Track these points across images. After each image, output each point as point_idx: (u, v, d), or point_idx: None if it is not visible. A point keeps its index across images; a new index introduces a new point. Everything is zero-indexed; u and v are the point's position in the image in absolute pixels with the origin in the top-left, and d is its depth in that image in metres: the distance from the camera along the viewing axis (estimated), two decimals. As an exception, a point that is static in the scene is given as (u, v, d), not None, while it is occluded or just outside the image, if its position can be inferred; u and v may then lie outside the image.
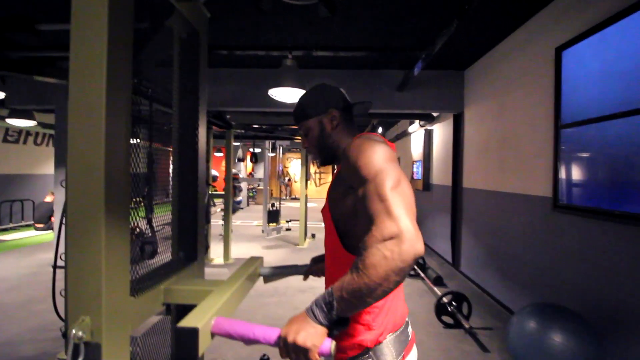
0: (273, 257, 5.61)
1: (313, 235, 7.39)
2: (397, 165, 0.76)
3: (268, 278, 1.48)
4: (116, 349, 0.84)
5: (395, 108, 4.69)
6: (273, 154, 9.08)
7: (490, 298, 3.81)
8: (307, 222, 7.16)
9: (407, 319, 0.93)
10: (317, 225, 9.05)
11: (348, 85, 4.53)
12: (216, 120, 5.09)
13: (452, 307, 3.12)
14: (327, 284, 0.98)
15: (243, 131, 6.04)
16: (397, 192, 0.68)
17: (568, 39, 2.54)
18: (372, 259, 0.61)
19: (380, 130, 9.49)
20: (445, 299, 3.16)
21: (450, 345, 2.79)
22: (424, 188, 6.30)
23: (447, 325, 3.10)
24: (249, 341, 0.84)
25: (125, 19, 0.82)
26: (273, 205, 8.58)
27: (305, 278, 1.35)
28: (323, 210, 0.95)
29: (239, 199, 12.91)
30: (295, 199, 16.62)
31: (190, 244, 1.27)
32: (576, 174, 2.55)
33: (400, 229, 0.62)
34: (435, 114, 5.80)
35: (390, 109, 4.72)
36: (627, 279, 2.11)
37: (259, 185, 15.64)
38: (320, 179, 18.09)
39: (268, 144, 8.31)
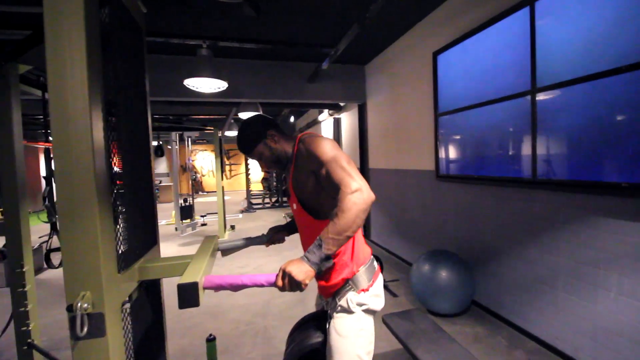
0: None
1: (232, 227, 7.35)
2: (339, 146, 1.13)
3: (226, 252, 1.64)
4: (114, 317, 0.94)
5: (306, 98, 5.04)
6: (178, 146, 8.53)
7: (397, 258, 4.59)
8: (226, 215, 7.09)
9: (372, 256, 1.29)
10: (235, 217, 8.97)
11: (262, 76, 4.70)
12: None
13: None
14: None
15: (148, 122, 5.57)
16: (350, 164, 1.05)
17: (441, 45, 3.25)
18: (346, 205, 0.95)
19: (292, 119, 9.83)
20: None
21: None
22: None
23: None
24: (237, 287, 1.05)
25: (95, 16, 0.89)
26: (185, 200, 8.15)
27: (268, 245, 1.56)
28: (290, 201, 1.28)
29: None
30: (207, 193, 15.86)
31: (152, 229, 1.35)
32: (450, 151, 3.32)
33: (360, 184, 0.98)
34: (342, 104, 6.40)
35: (302, 99, 5.06)
36: (486, 225, 2.91)
37: (160, 182, 14.40)
38: (231, 170, 17.59)
39: (174, 135, 7.79)
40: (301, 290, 0.96)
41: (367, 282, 1.19)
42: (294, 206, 1.27)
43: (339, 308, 1.17)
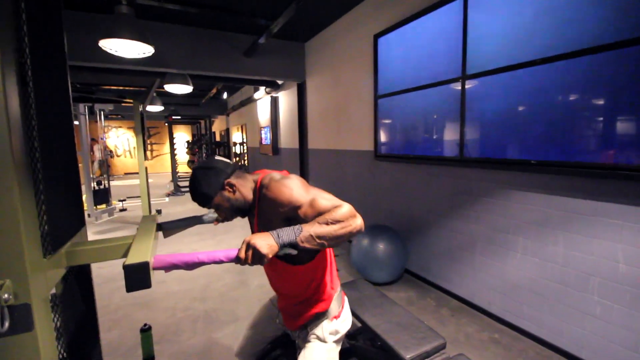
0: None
1: (159, 212, 6.76)
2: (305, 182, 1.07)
3: (169, 232, 1.49)
4: (42, 308, 0.79)
5: (242, 73, 4.77)
6: (87, 121, 7.38)
7: (334, 236, 4.76)
8: (151, 198, 6.46)
9: (339, 282, 1.32)
10: (161, 201, 8.26)
11: (193, 45, 4.28)
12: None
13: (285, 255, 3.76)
14: (280, 296, 1.31)
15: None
16: (330, 197, 1.04)
17: (382, 28, 3.34)
18: (341, 217, 0.93)
19: (225, 95, 9.25)
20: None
21: (311, 275, 3.43)
22: (273, 152, 6.78)
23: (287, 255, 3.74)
24: (193, 265, 0.96)
25: None
26: (99, 183, 7.18)
27: (217, 223, 1.46)
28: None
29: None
30: (124, 175, 14.23)
31: (78, 209, 1.15)
32: (388, 132, 3.50)
33: (355, 212, 0.98)
34: (280, 82, 6.22)
35: (238, 74, 4.77)
36: (418, 200, 3.18)
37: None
38: (152, 150, 15.99)
39: (83, 108, 6.71)
40: (262, 264, 0.92)
41: (338, 309, 1.24)
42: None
43: (312, 337, 1.19)
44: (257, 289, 3.18)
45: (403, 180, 3.33)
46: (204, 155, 11.22)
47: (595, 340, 1.95)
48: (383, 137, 3.53)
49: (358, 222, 0.96)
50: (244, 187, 1.15)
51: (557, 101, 1.97)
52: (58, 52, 1.09)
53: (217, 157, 1.16)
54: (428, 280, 3.13)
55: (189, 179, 1.15)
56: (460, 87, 2.52)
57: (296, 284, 1.20)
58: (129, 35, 2.81)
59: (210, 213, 1.54)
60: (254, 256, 0.90)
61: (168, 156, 11.89)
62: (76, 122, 6.81)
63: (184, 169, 12.98)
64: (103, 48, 2.93)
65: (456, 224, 2.78)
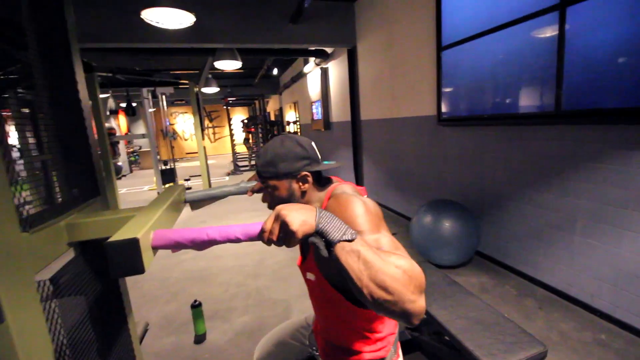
0: (180, 217, 5.14)
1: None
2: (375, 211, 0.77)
3: (196, 204, 1.33)
4: (22, 294, 0.63)
5: (290, 42, 4.49)
6: (153, 109, 7.87)
7: (392, 212, 4.40)
8: (210, 178, 6.71)
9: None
10: (222, 180, 8.63)
11: (238, 15, 4.09)
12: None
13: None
14: (321, 334, 1.04)
15: (111, 74, 4.93)
16: (403, 251, 0.69)
17: (446, -37, 2.75)
18: (408, 272, 0.58)
19: (275, 71, 9.15)
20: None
21: (366, 255, 3.16)
22: (325, 127, 6.51)
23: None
24: (202, 245, 0.73)
25: None
26: (166, 163, 7.68)
27: (251, 194, 1.25)
28: (303, 267, 0.96)
29: (119, 163, 11.10)
30: (189, 155, 15.30)
31: (89, 174, 1.00)
32: (454, 91, 2.96)
33: (424, 283, 0.60)
34: (329, 51, 5.83)
35: (284, 44, 4.50)
36: (494, 170, 2.66)
37: (140, 148, 13.67)
38: (214, 133, 16.86)
39: (146, 92, 7.11)
40: (288, 245, 0.64)
41: (394, 356, 0.99)
42: (310, 276, 0.94)
43: None
44: (309, 267, 3.02)
45: (473, 147, 2.81)
46: (260, 134, 11.41)
47: None
48: (447, 98, 3.01)
49: (419, 296, 0.59)
50: (313, 190, 0.91)
51: None
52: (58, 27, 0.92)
53: (312, 144, 0.92)
54: (505, 264, 2.65)
55: (269, 140, 0.91)
56: (558, 18, 1.92)
57: (346, 326, 0.93)
58: (169, 3, 2.70)
59: (242, 183, 1.33)
60: (282, 231, 0.63)
61: (228, 138, 12.37)
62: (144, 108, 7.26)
63: (242, 149, 13.43)
64: (146, 20, 2.88)
65: (546, 197, 2.24)
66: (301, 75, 7.72)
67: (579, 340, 1.85)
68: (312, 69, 6.85)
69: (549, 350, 1.56)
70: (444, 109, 3.05)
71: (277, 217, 0.64)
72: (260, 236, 0.67)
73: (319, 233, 0.62)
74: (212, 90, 7.89)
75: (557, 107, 1.99)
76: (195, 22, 3.02)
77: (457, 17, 2.75)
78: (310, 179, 0.87)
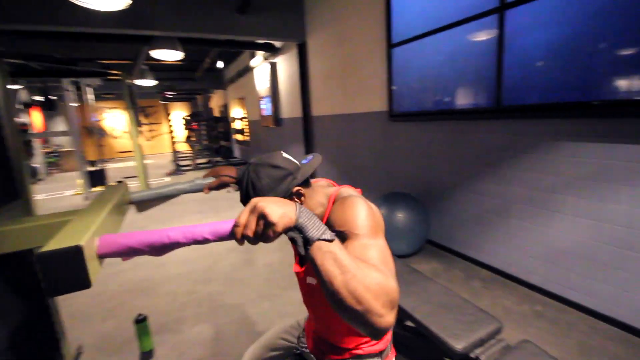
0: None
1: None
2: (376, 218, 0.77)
3: (143, 205, 1.17)
4: None
5: (235, 34, 4.28)
6: (77, 103, 6.96)
7: (344, 208, 4.45)
8: (148, 179, 6.15)
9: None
10: (160, 181, 7.97)
11: (180, 1, 3.78)
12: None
13: (291, 241, 3.46)
14: (317, 334, 1.03)
15: (23, 62, 4.22)
16: (391, 266, 0.67)
17: (394, -38, 2.84)
18: (380, 283, 0.56)
19: (220, 64, 8.70)
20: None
21: (323, 250, 3.15)
22: (275, 123, 6.37)
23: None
24: (163, 248, 0.63)
25: None
26: (94, 164, 6.87)
27: (208, 191, 1.15)
28: (302, 271, 0.93)
29: (34, 165, 9.64)
30: (123, 154, 13.92)
31: (2, 178, 0.80)
32: (404, 87, 3.08)
33: (396, 301, 0.58)
34: (278, 45, 5.70)
35: (230, 35, 4.29)
36: (442, 163, 2.82)
37: (61, 148, 12.05)
38: (151, 131, 15.56)
39: (68, 84, 6.25)
40: (266, 240, 0.59)
41: (389, 353, 1.02)
42: (312, 280, 0.91)
43: None
44: (264, 268, 2.91)
45: (423, 141, 2.95)
46: (203, 132, 10.80)
47: (667, 312, 1.65)
48: (398, 95, 3.12)
49: (388, 312, 0.56)
50: (312, 198, 0.87)
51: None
52: None
53: (284, 155, 0.86)
54: (453, 250, 2.83)
55: (243, 175, 0.83)
56: (497, 20, 2.08)
57: (346, 327, 0.93)
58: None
59: (197, 180, 1.20)
60: (260, 224, 0.57)
61: (167, 136, 11.49)
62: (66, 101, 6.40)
63: (183, 147, 12.59)
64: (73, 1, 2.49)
65: (487, 186, 2.43)
66: (248, 70, 7.46)
67: (519, 312, 2.04)
68: (259, 63, 6.65)
69: (500, 326, 1.66)
70: (394, 105, 3.16)
71: (254, 210, 0.58)
72: (233, 233, 0.60)
73: (298, 228, 0.59)
74: (148, 83, 7.23)
75: (497, 103, 2.17)
76: (130, 5, 2.70)
77: (407, 15, 2.85)
78: (302, 190, 0.84)
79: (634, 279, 1.73)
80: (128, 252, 0.63)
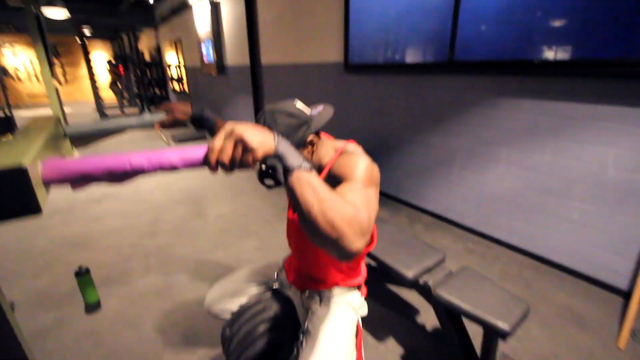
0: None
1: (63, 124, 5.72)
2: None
3: (81, 141, 1.02)
4: None
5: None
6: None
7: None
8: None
9: None
10: (86, 131, 7.02)
11: None
12: None
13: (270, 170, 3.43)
14: (300, 270, 1.08)
15: None
16: (373, 208, 0.70)
17: None
18: (354, 213, 0.58)
19: (151, 0, 7.54)
20: (264, 166, 3.38)
21: (275, 198, 3.15)
22: (218, 71, 5.87)
23: (270, 187, 3.46)
24: (124, 174, 0.56)
25: None
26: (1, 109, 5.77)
27: (159, 128, 1.05)
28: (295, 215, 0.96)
29: None
30: (34, 101, 11.89)
31: None
32: (361, 37, 3.00)
33: (368, 231, 0.60)
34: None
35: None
36: (392, 116, 2.90)
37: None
38: (64, 74, 13.33)
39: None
40: (243, 167, 0.56)
41: (364, 290, 1.13)
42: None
43: (345, 302, 1.04)
44: (216, 219, 2.84)
45: (378, 95, 2.99)
46: (132, 77, 9.60)
47: (567, 243, 2.01)
48: (354, 46, 3.05)
49: (359, 238, 0.59)
50: (321, 148, 0.93)
51: (574, -17, 1.66)
52: None
53: (299, 103, 0.88)
54: (399, 198, 3.05)
55: (258, 121, 0.83)
56: (455, -29, 2.08)
57: (333, 265, 1.02)
58: None
59: (147, 115, 1.08)
60: (236, 150, 0.54)
61: (87, 81, 9.94)
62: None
63: (108, 95, 11.09)
64: None
65: (435, 139, 2.60)
66: (185, 7, 6.61)
67: (454, 250, 2.32)
68: (198, 1, 5.91)
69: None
70: (350, 56, 3.09)
71: (231, 134, 0.55)
72: (207, 159, 0.55)
73: (277, 157, 0.57)
74: (58, 13, 6.00)
75: (451, 57, 2.24)
76: None
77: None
78: (316, 139, 0.89)
79: (549, 219, 2.06)
80: (80, 179, 0.54)
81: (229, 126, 0.55)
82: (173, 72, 9.12)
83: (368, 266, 1.74)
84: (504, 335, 1.03)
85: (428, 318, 1.68)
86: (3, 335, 0.83)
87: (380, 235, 1.59)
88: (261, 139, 0.55)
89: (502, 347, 1.46)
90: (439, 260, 1.44)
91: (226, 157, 0.53)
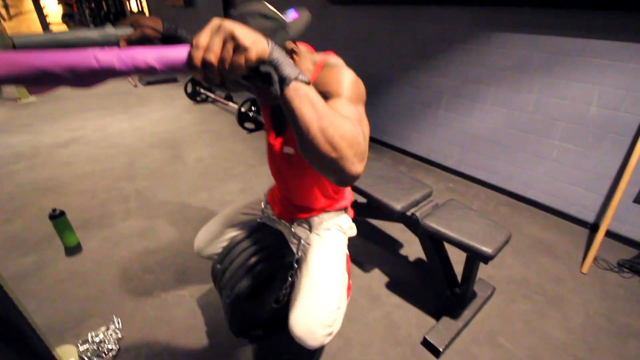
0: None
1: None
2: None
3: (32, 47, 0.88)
4: None
5: None
6: None
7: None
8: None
9: None
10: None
11: None
12: None
13: (252, 112, 3.27)
14: (285, 201, 1.06)
15: None
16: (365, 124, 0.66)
17: None
18: (352, 130, 0.55)
19: None
20: (243, 108, 3.22)
21: (257, 143, 3.06)
22: (185, 3, 5.26)
23: (251, 130, 3.32)
24: (88, 76, 0.48)
25: None
26: None
27: (124, 45, 0.89)
28: (278, 141, 0.92)
29: None
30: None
31: None
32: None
33: (365, 152, 0.58)
34: None
35: None
36: (378, 54, 2.75)
37: None
38: (9, 7, 11.61)
39: None
40: (232, 73, 0.47)
41: (351, 212, 1.15)
42: (289, 150, 0.91)
43: (334, 226, 1.04)
44: (195, 163, 2.73)
45: (364, 28, 2.79)
46: (86, 9, 8.53)
47: (543, 181, 2.09)
48: (340, -31, 2.75)
49: (359, 162, 0.56)
50: (304, 58, 0.81)
51: None
52: None
53: (268, 5, 0.71)
54: (383, 141, 3.03)
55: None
56: None
57: (320, 191, 1.00)
58: None
59: (110, 28, 0.93)
60: (227, 46, 0.45)
61: (34, 15, 8.72)
62: None
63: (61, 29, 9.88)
64: None
65: (422, 78, 2.51)
66: None
67: (436, 189, 2.36)
68: None
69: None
70: (335, -18, 2.81)
71: (219, 29, 0.46)
72: (191, 59, 0.46)
73: (272, 64, 0.50)
74: None
75: (444, -18, 2.07)
76: None
77: None
78: (296, 48, 0.76)
79: (529, 157, 2.11)
80: (37, 78, 0.45)
81: (215, 21, 0.46)
82: (133, 5, 8.14)
83: (355, 203, 1.76)
84: (487, 259, 1.08)
85: (411, 251, 1.76)
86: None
87: (368, 172, 1.58)
88: (254, 38, 0.46)
89: (479, 273, 1.57)
90: (426, 194, 1.46)
91: (214, 57, 0.45)
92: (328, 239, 1.00)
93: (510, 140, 2.17)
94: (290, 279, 0.98)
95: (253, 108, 3.27)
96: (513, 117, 2.11)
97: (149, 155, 2.86)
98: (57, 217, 1.63)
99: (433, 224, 1.21)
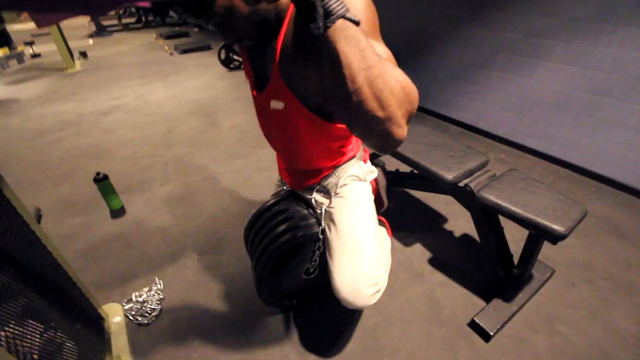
0: (33, 92, 3.88)
1: (84, 54, 5.36)
2: None
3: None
4: None
5: None
6: None
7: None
8: (68, 40, 4.92)
9: None
10: (80, 44, 6.59)
11: None
12: None
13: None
14: (288, 170, 0.99)
15: None
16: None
17: None
18: (400, 88, 0.45)
19: None
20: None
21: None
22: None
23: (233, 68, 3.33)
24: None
25: None
26: (-16, 16, 5.27)
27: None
28: (266, 94, 0.73)
29: None
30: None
31: None
32: None
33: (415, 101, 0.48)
34: None
35: None
36: (429, 9, 2.47)
37: None
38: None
39: None
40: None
41: (364, 153, 1.02)
42: (277, 105, 0.72)
43: (350, 178, 0.94)
44: (231, 130, 2.70)
45: (408, -20, 2.50)
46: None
47: (614, 153, 1.82)
48: None
49: (406, 124, 0.48)
50: None
51: None
52: None
53: None
54: (425, 108, 2.80)
55: None
56: None
57: (319, 150, 0.86)
58: None
59: None
60: None
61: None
62: None
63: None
64: None
65: (475, 33, 2.23)
66: None
67: (484, 162, 2.17)
68: None
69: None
70: None
71: None
72: None
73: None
74: None
75: None
76: None
77: None
78: None
79: (599, 125, 1.83)
80: (42, 4, 0.38)
81: None
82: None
83: (396, 172, 1.64)
84: (557, 238, 0.94)
85: (456, 226, 1.63)
86: (31, 242, 0.78)
87: (412, 137, 1.44)
88: None
89: (534, 252, 1.42)
90: (482, 163, 1.31)
91: None
92: (349, 196, 0.92)
93: (577, 105, 1.89)
94: (317, 251, 0.93)
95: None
96: (584, 77, 1.82)
97: (186, 122, 2.87)
98: (101, 181, 1.68)
99: (492, 196, 1.07)
